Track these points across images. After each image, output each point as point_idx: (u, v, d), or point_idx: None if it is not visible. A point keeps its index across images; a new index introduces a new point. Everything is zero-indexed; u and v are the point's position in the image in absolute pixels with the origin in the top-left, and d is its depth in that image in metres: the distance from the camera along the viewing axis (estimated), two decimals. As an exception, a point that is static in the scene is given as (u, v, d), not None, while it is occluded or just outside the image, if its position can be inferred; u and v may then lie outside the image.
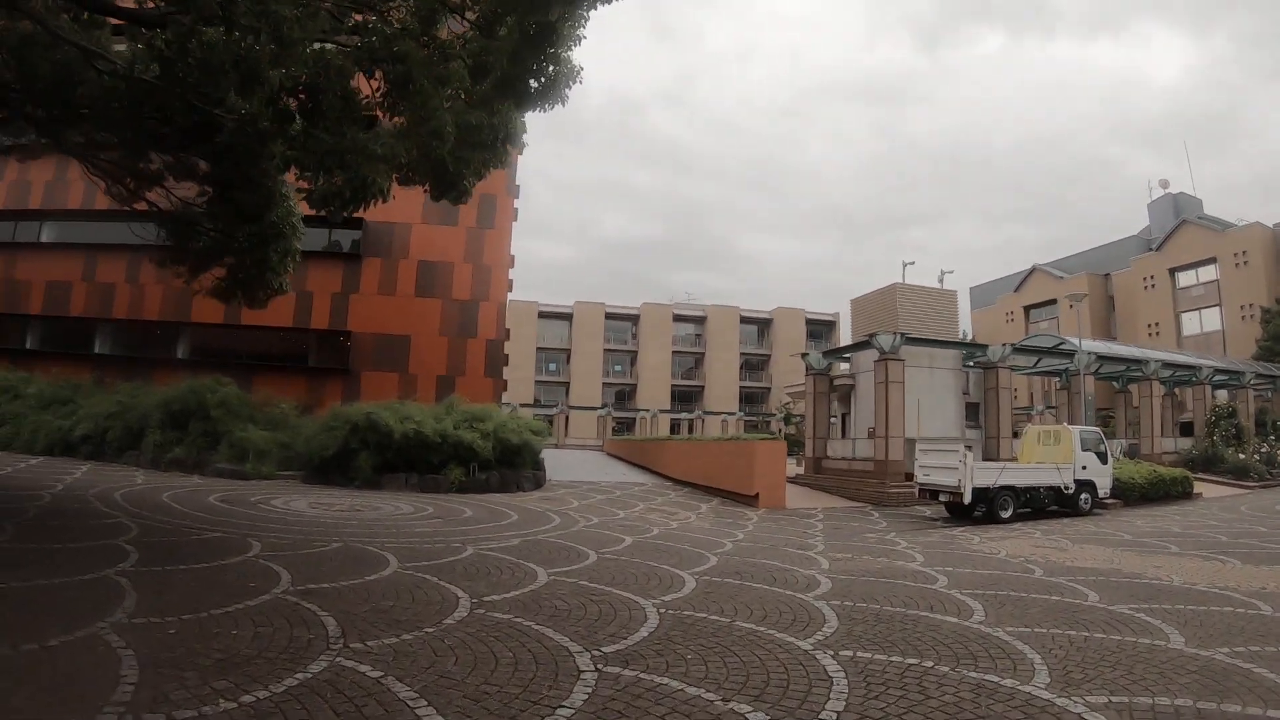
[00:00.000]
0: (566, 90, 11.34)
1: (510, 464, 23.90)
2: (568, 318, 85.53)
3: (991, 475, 18.64)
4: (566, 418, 71.82)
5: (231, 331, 31.03)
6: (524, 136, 13.13)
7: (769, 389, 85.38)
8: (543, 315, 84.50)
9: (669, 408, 78.81)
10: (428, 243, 31.67)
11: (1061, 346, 32.02)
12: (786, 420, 64.09)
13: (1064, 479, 20.08)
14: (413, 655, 5.83)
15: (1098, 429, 22.68)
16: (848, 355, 30.22)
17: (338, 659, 5.63)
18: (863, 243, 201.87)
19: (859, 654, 6.32)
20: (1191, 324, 65.19)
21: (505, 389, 40.97)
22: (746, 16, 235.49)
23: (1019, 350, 29.43)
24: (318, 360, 31.37)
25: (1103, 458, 21.33)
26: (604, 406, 72.36)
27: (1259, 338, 54.91)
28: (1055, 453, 20.89)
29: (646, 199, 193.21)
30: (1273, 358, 48.70)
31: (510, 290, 39.45)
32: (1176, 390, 40.54)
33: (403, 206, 31.76)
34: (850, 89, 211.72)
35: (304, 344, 31.74)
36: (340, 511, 15.74)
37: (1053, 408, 48.41)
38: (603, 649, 6.21)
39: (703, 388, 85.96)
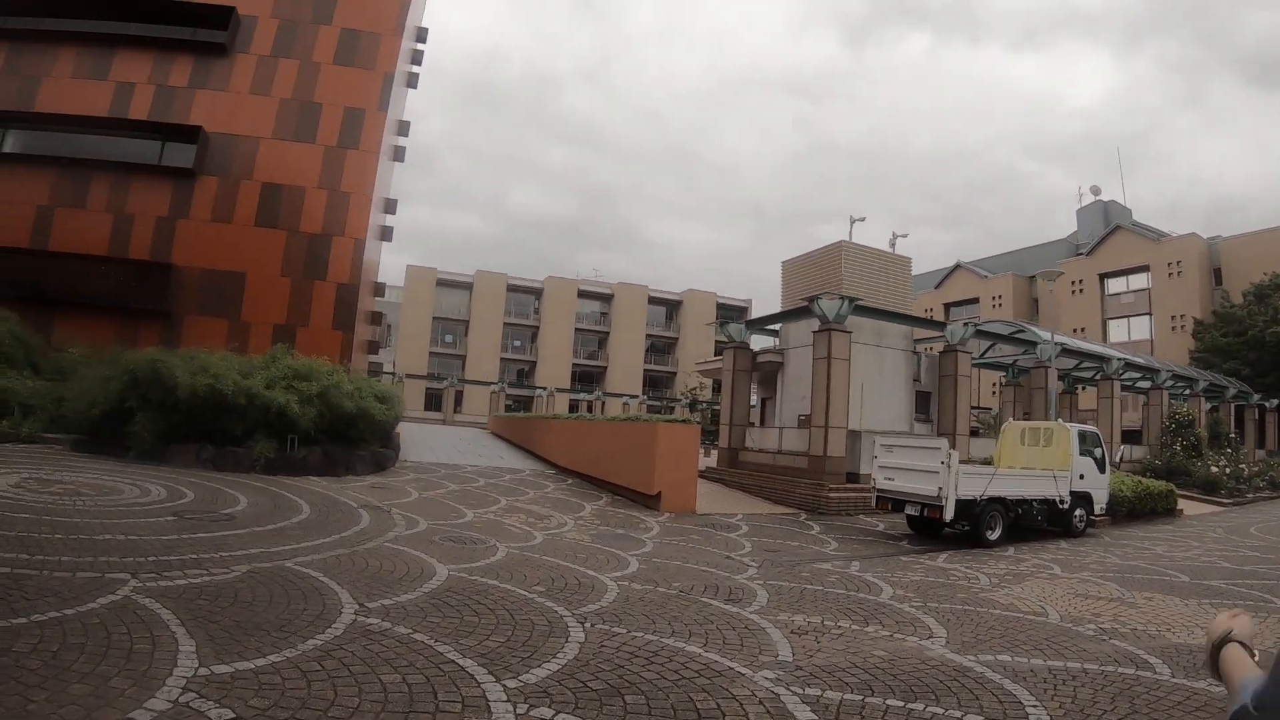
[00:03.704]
0: None
1: (343, 438, 18.19)
2: (468, 287, 78.84)
3: (979, 484, 13.76)
4: (458, 393, 65.45)
5: (35, 259, 24.32)
6: None
7: (675, 373, 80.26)
8: (441, 283, 78.15)
9: (569, 387, 72.90)
10: (276, 161, 25.48)
11: (1020, 334, 27.77)
12: (693, 406, 59.17)
13: (1060, 490, 15.46)
14: None
15: (1095, 428, 18.20)
16: (775, 327, 25.14)
17: None
18: (773, 236, 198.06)
19: None
20: (1119, 331, 63.28)
21: (374, 351, 35.01)
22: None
23: (980, 333, 24.92)
24: (133, 298, 24.77)
25: (1100, 465, 16.82)
26: (498, 382, 66.29)
27: (1192, 349, 53.31)
28: (1045, 456, 16.25)
29: (559, 177, 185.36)
30: (1206, 369, 46.39)
31: (387, 239, 33.73)
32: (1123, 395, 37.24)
33: (250, 115, 25.77)
34: (773, 80, 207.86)
35: (119, 278, 25.12)
36: (50, 496, 10.45)
37: (979, 408, 44.94)
38: None
39: (605, 368, 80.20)
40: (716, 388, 53.88)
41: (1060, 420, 17.84)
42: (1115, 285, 64.34)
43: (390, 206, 34.03)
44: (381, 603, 6.40)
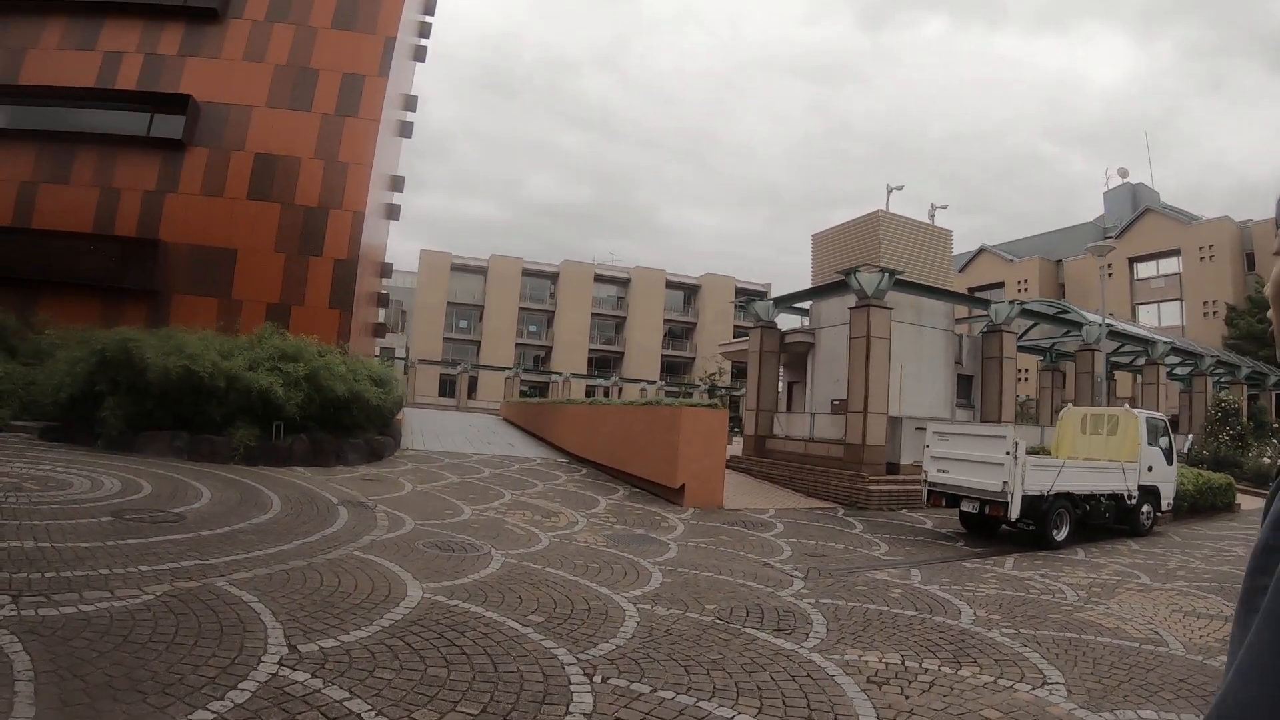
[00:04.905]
0: None
1: (335, 424, 16.61)
2: (483, 272, 77.53)
3: (1047, 478, 12.10)
4: (473, 378, 63.92)
5: (17, 238, 22.78)
6: None
7: (693, 359, 78.68)
8: (456, 268, 76.71)
9: (585, 373, 71.24)
10: (270, 131, 23.80)
11: (1065, 314, 25.95)
12: (711, 392, 57.38)
13: (1129, 484, 13.78)
14: None
15: (1162, 416, 16.47)
16: (805, 305, 23.44)
17: None
18: (789, 221, 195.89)
19: None
20: (1149, 316, 61.32)
21: (381, 334, 33.55)
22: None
23: (1025, 313, 23.14)
24: (119, 277, 23.21)
25: (1168, 456, 15.14)
26: (513, 367, 64.73)
27: (1225, 335, 51.39)
28: (1109, 446, 14.56)
29: (573, 163, 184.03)
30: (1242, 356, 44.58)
31: (394, 218, 32.36)
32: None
33: (243, 83, 24.13)
34: (788, 64, 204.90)
35: (105, 256, 23.59)
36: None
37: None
38: None
39: (622, 354, 78.79)
40: (737, 373, 51.95)
41: (1126, 406, 16.13)
42: (1145, 269, 62.34)
43: (397, 184, 32.47)
44: (319, 645, 4.78)
